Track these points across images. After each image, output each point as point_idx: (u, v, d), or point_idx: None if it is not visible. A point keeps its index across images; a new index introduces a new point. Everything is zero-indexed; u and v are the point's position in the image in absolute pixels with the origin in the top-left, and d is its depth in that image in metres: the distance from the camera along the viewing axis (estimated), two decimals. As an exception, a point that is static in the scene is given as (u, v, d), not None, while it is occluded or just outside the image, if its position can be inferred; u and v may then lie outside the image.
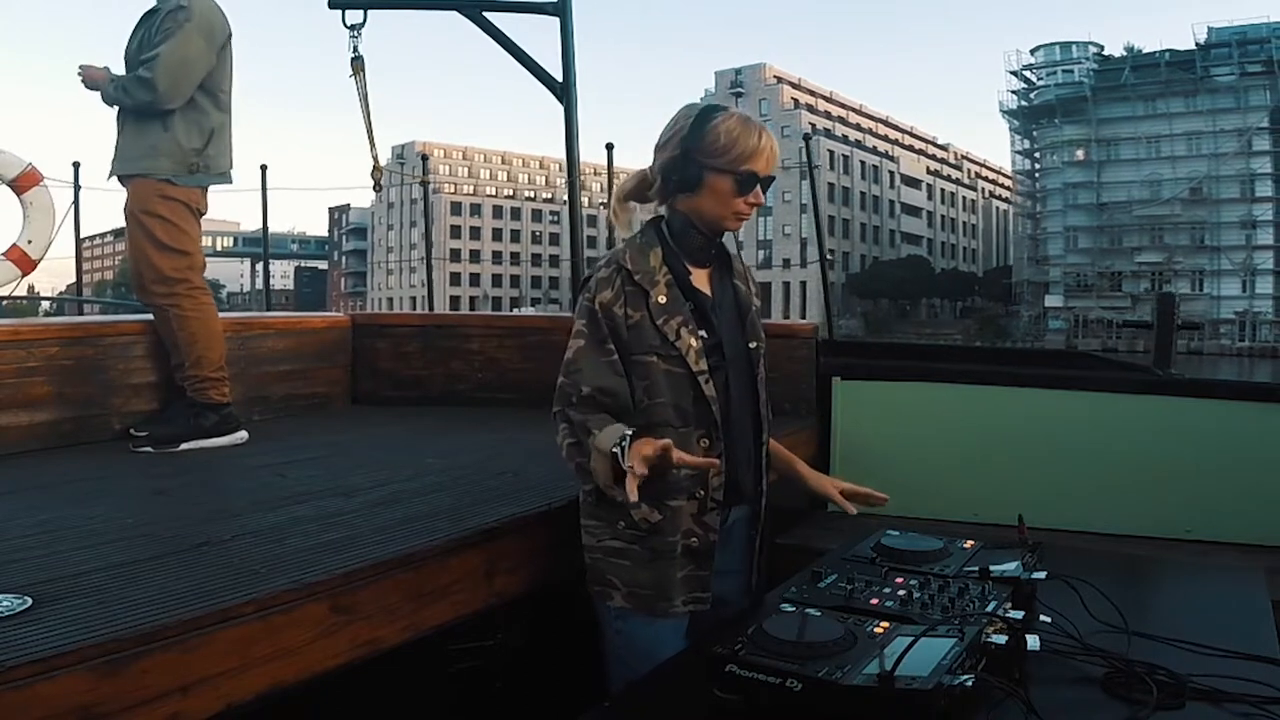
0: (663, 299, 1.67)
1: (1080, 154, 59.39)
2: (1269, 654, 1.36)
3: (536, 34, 4.51)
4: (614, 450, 1.52)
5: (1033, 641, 1.26)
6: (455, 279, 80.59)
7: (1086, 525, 2.74)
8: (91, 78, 2.79)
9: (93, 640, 1.20)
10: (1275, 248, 53.39)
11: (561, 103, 4.36)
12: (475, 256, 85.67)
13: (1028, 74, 63.24)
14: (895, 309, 68.02)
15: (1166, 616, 1.59)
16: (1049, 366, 3.63)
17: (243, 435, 2.88)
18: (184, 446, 2.73)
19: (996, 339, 55.23)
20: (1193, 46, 56.69)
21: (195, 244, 2.89)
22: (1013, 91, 63.79)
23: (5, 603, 1.33)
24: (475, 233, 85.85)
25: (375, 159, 4.03)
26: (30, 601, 1.34)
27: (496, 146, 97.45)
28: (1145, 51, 59.32)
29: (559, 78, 4.37)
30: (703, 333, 1.69)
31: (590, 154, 4.62)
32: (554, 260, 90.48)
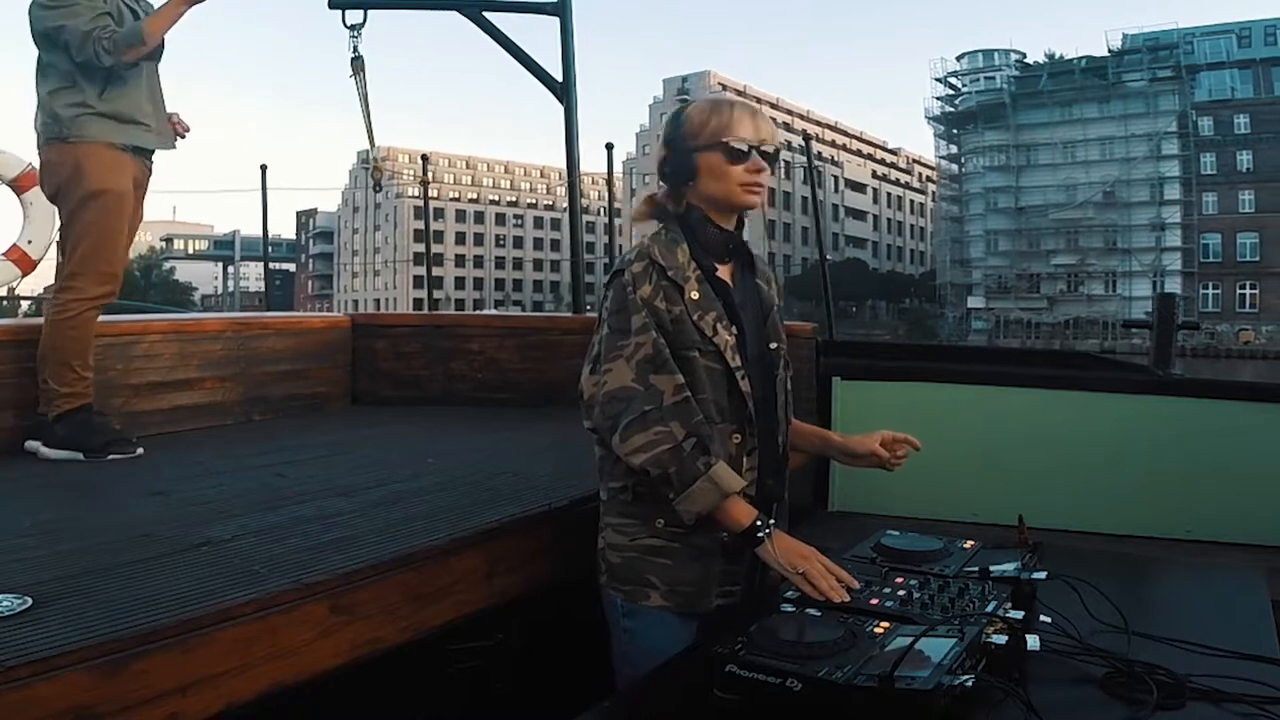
0: (696, 295, 1.67)
1: (1001, 159, 60.27)
2: (1269, 654, 1.36)
3: (536, 34, 4.52)
4: (758, 534, 1.56)
5: (1033, 641, 1.26)
6: (418, 282, 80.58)
7: (1086, 525, 2.74)
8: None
9: (93, 640, 1.20)
10: (1183, 249, 53.96)
11: (562, 103, 4.35)
12: (439, 259, 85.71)
13: (953, 80, 64.15)
14: (836, 310, 68.62)
15: (1166, 616, 1.59)
16: (1049, 366, 3.63)
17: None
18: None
19: (924, 338, 55.82)
20: (1107, 53, 57.42)
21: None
22: (938, 98, 64.65)
23: (5, 603, 1.33)
24: (439, 236, 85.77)
25: (377, 159, 4.04)
26: (30, 601, 1.34)
27: (462, 151, 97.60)
28: (1063, 58, 60.00)
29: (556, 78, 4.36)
30: (734, 328, 1.70)
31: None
32: (517, 263, 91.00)
